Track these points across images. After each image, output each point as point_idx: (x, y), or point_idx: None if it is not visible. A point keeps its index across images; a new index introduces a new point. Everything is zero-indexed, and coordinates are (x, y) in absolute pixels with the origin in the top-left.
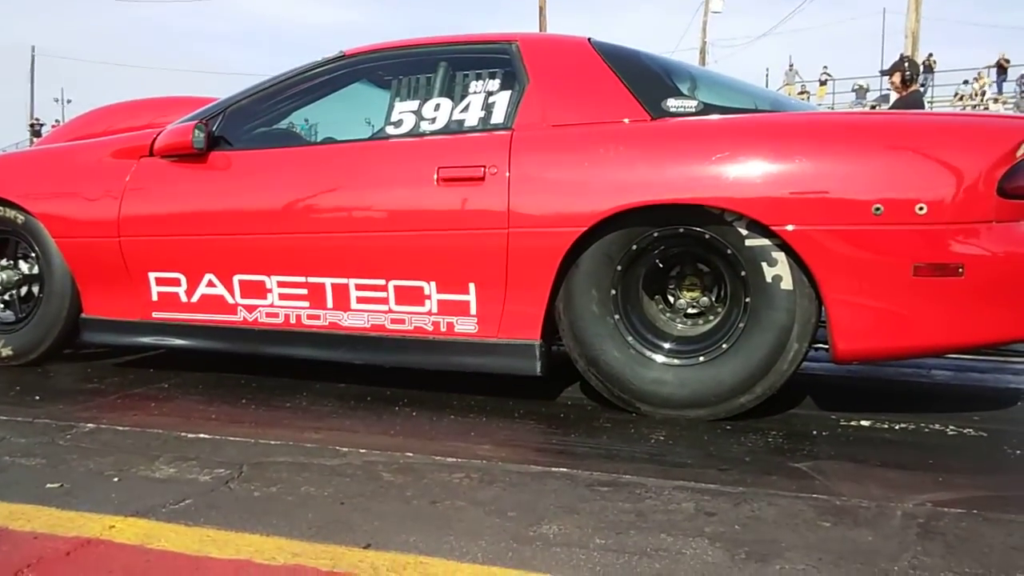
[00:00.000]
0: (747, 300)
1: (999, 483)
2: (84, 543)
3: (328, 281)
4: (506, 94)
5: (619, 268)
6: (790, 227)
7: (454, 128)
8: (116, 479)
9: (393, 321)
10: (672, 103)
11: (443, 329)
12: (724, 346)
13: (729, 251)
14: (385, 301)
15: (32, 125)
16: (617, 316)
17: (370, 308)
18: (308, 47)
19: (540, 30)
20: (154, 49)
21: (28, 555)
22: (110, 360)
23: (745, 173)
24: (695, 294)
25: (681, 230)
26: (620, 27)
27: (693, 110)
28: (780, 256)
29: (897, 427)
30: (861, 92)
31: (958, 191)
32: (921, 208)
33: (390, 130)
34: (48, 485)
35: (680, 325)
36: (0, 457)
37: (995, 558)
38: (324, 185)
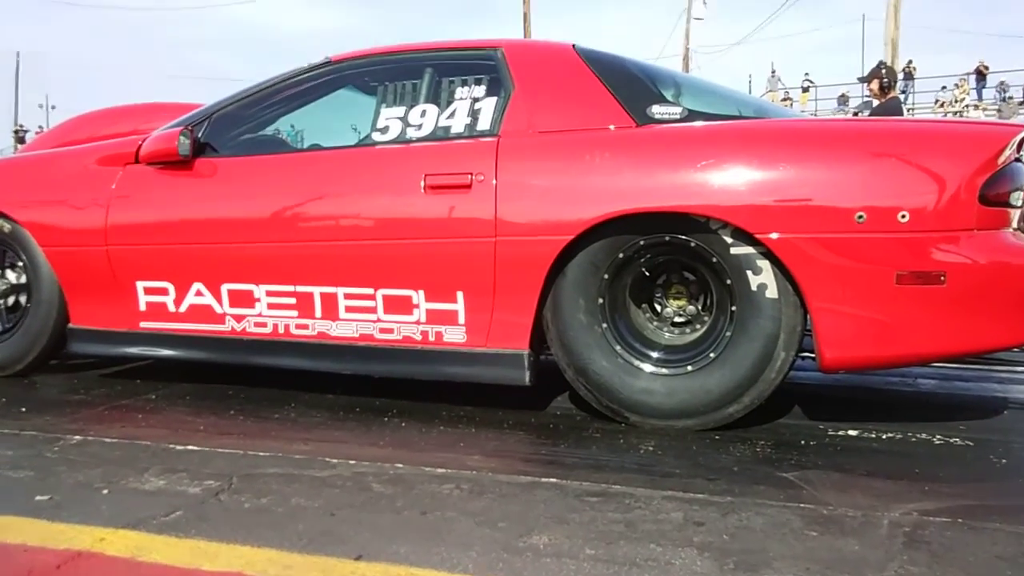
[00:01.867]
0: (733, 308)
1: (985, 492)
2: (75, 556)
3: (316, 290)
4: (492, 100)
5: (606, 276)
6: (774, 235)
7: (440, 135)
8: (105, 491)
9: (382, 331)
10: (657, 110)
11: (432, 339)
12: (712, 355)
13: (714, 259)
14: (374, 310)
15: (16, 131)
16: (605, 324)
17: (359, 317)
18: (298, 52)
19: (524, 36)
20: (142, 56)
21: (19, 568)
22: (96, 371)
23: (729, 181)
24: (682, 303)
25: (667, 238)
26: (602, 34)
27: (678, 116)
28: (765, 264)
29: (884, 436)
30: (843, 99)
31: (940, 199)
32: (903, 216)
33: (376, 136)
34: (37, 497)
35: (667, 334)
36: None
37: (980, 567)
38: (311, 193)
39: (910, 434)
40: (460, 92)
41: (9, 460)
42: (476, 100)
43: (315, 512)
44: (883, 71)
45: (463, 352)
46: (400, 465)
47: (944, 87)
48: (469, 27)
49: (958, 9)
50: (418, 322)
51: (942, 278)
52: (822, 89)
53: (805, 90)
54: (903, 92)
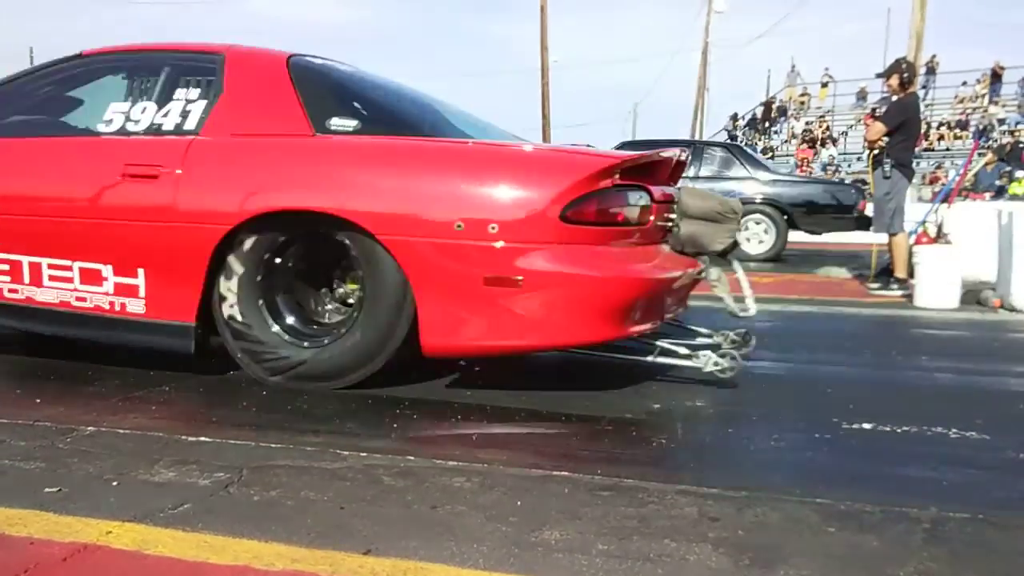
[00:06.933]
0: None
1: (1004, 487)
2: (80, 549)
3: (25, 259)
4: (203, 103)
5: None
6: (391, 237)
7: (154, 130)
8: (115, 483)
9: (78, 299)
10: (335, 122)
11: (118, 308)
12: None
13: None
14: (71, 280)
15: None
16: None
17: (59, 286)
18: (308, 45)
19: (541, 29)
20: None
21: (24, 561)
22: (111, 362)
23: (360, 188)
24: (347, 287)
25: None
26: (620, 27)
27: (350, 129)
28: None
29: (900, 430)
30: (862, 95)
31: (523, 215)
32: (493, 227)
33: (101, 127)
34: (46, 489)
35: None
36: None
37: (1001, 563)
38: (29, 172)
39: (926, 428)
40: (180, 92)
41: (22, 451)
42: (191, 101)
43: (324, 505)
44: (903, 66)
45: (142, 322)
46: (411, 458)
47: (965, 82)
48: (487, 22)
49: (985, 3)
50: (107, 293)
51: (519, 281)
52: (841, 84)
53: (824, 85)
54: (923, 87)
